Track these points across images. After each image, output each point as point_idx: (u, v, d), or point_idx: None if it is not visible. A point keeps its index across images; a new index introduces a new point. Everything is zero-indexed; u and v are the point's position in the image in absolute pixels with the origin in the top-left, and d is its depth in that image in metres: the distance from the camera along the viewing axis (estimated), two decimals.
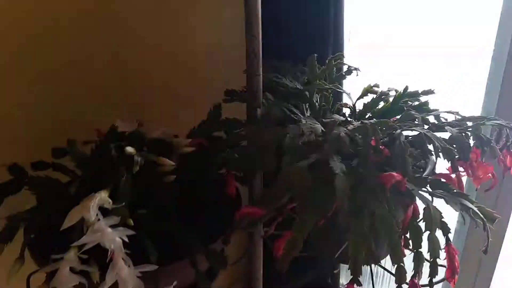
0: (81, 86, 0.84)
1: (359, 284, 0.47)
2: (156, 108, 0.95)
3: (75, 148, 0.63)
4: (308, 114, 0.70)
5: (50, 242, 0.56)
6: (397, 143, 0.53)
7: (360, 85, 0.73)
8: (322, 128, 0.62)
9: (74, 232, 0.48)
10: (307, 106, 0.71)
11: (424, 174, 0.53)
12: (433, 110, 0.66)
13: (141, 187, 0.58)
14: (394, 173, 0.49)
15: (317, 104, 0.70)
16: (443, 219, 0.49)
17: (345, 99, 0.76)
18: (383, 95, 0.70)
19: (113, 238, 0.44)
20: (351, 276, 0.48)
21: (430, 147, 0.57)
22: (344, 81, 0.78)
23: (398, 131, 0.54)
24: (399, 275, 0.46)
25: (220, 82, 1.00)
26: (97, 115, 0.83)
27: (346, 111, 0.72)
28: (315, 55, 0.76)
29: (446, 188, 0.54)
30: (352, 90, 0.73)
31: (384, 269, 0.69)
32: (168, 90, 0.98)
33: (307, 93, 0.71)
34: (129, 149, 0.52)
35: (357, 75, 0.72)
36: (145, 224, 0.53)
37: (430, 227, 0.47)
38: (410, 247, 0.49)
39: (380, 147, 0.53)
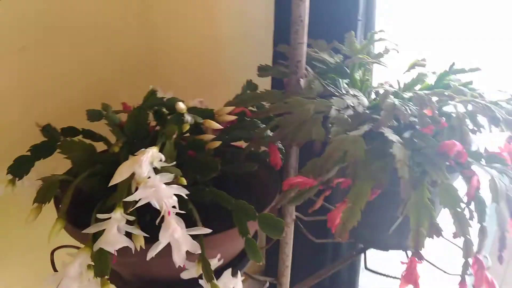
0: (113, 65, 0.82)
1: (421, 258, 0.45)
2: (182, 91, 0.94)
3: (110, 111, 0.60)
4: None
5: (84, 208, 0.54)
6: (455, 113, 0.51)
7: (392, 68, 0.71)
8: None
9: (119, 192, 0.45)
10: (346, 82, 0.69)
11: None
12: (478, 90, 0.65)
13: (183, 154, 0.55)
14: (456, 142, 0.47)
15: (358, 79, 0.67)
16: (508, 192, 0.47)
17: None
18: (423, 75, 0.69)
19: (169, 194, 0.41)
20: (413, 250, 0.45)
21: (482, 120, 0.55)
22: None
23: (455, 101, 0.52)
24: (466, 248, 0.44)
25: (244, 67, 0.99)
26: (123, 92, 0.82)
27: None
28: (352, 31, 0.74)
29: (502, 163, 0.52)
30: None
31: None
32: (194, 73, 0.97)
33: (346, 68, 0.69)
34: (181, 105, 0.49)
35: (397, 52, 0.70)
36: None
37: (497, 199, 0.45)
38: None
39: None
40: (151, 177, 0.41)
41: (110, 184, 0.43)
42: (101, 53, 0.81)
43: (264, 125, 0.61)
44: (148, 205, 0.48)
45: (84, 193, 0.63)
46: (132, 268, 0.56)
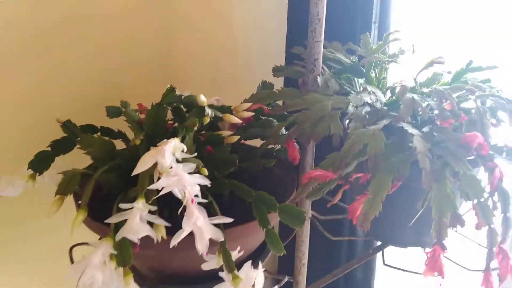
0: (132, 66, 0.84)
1: (444, 248, 0.44)
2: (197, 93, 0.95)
3: (129, 108, 0.61)
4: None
5: (103, 206, 0.54)
6: (475, 107, 0.51)
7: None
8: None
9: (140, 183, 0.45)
10: (362, 82, 0.69)
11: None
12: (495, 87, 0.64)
13: (201, 150, 0.56)
14: (478, 133, 0.47)
15: (374, 78, 0.68)
16: None
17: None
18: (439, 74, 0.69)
19: (192, 182, 0.41)
20: (435, 240, 0.45)
21: (501, 115, 0.55)
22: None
23: (475, 95, 0.52)
24: (490, 237, 0.44)
25: (259, 68, 1.01)
26: (139, 93, 0.83)
27: None
28: (368, 33, 0.75)
29: None
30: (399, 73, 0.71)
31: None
32: (209, 75, 0.98)
33: (362, 68, 0.69)
34: (203, 97, 0.50)
35: (413, 52, 0.70)
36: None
37: None
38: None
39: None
40: (174, 166, 0.42)
41: (133, 174, 0.43)
42: (119, 49, 0.83)
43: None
44: (167, 200, 0.49)
45: (102, 192, 0.63)
46: (151, 262, 0.56)
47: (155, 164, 0.44)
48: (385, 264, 0.71)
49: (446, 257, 0.66)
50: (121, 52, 0.83)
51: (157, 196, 0.43)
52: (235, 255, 0.48)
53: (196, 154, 0.47)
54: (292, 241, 0.76)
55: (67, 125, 0.57)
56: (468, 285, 0.72)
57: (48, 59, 0.75)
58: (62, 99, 0.78)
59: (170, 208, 0.52)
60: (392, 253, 0.76)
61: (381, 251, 0.76)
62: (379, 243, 0.84)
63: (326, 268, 1.03)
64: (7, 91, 0.72)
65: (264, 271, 0.63)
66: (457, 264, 0.64)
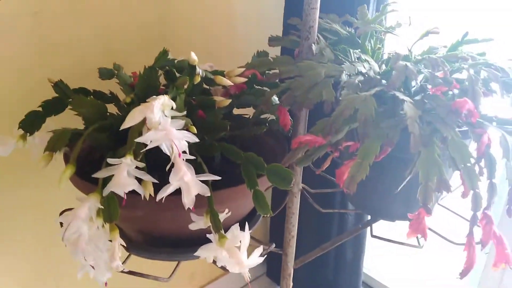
0: (125, 36, 0.84)
1: (430, 212, 0.44)
2: None
3: (122, 71, 0.60)
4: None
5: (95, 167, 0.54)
6: (468, 75, 0.51)
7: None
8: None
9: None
10: (358, 53, 0.69)
11: None
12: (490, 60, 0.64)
13: (192, 114, 0.56)
14: (468, 100, 0.47)
15: (370, 49, 0.67)
16: None
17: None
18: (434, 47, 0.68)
19: (180, 137, 0.41)
20: (421, 205, 0.45)
21: (494, 86, 0.55)
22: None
23: (468, 63, 0.51)
24: (475, 202, 0.44)
25: (255, 42, 1.00)
26: (132, 64, 0.83)
27: None
28: (365, 5, 0.74)
29: None
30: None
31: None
32: (205, 47, 0.97)
33: (358, 39, 0.69)
34: (194, 56, 0.49)
35: (409, 24, 0.70)
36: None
37: (508, 155, 0.45)
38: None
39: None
40: (162, 121, 0.42)
41: (122, 128, 0.43)
42: (114, 23, 0.82)
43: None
44: (157, 164, 0.49)
45: (94, 156, 0.64)
46: (139, 223, 0.56)
47: (144, 121, 0.43)
48: (372, 236, 0.72)
49: (432, 230, 0.67)
50: (116, 20, 0.82)
51: (144, 150, 0.43)
52: (222, 216, 0.49)
53: (185, 113, 0.47)
54: (283, 214, 0.76)
55: (59, 85, 0.57)
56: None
57: (40, 23, 0.74)
58: (55, 65, 0.78)
59: (161, 171, 0.52)
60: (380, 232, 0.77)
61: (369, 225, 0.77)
62: (368, 218, 0.85)
63: (316, 242, 1.04)
64: (3, 55, 0.72)
65: (253, 239, 0.64)
66: (442, 237, 0.65)
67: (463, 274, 0.46)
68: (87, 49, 0.80)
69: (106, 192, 0.43)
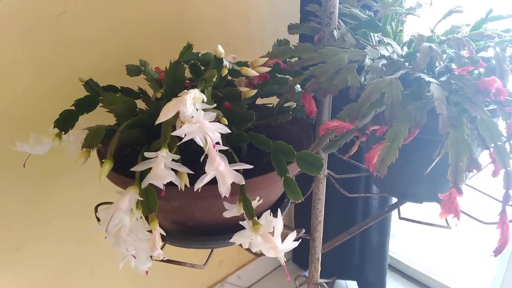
0: (145, 32, 0.85)
1: (461, 192, 0.45)
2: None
3: (148, 67, 0.62)
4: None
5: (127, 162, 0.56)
6: (495, 52, 0.50)
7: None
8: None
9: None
10: (379, 36, 0.68)
11: None
12: None
13: (219, 105, 0.57)
14: (496, 78, 0.47)
15: (391, 32, 0.67)
16: None
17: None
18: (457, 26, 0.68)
19: (214, 129, 0.42)
20: (451, 185, 0.46)
21: None
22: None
23: (495, 41, 0.51)
24: (507, 179, 0.44)
25: (272, 33, 1.00)
26: (152, 60, 0.85)
27: None
28: None
29: None
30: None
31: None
32: (223, 36, 0.98)
33: (378, 22, 0.68)
34: (220, 48, 0.51)
35: (430, 4, 0.69)
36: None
37: None
38: None
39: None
40: (196, 114, 0.43)
41: (157, 123, 0.45)
42: (133, 18, 0.84)
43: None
44: (189, 156, 0.50)
45: (125, 151, 0.66)
46: (174, 214, 0.58)
47: (177, 115, 0.45)
48: (400, 218, 0.72)
49: (462, 211, 0.67)
50: (134, 16, 0.83)
51: (180, 143, 0.44)
52: (254, 204, 0.50)
53: (215, 105, 0.48)
54: (309, 200, 0.77)
55: (89, 84, 0.59)
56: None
57: (65, 25, 0.76)
58: (79, 66, 0.80)
59: (191, 165, 0.54)
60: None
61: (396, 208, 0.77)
62: (394, 202, 0.85)
63: (341, 226, 1.05)
64: (27, 55, 0.74)
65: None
66: (472, 217, 0.65)
67: (497, 252, 0.46)
68: (108, 46, 0.82)
69: (144, 184, 0.45)
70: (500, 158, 0.44)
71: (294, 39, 0.80)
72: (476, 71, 0.56)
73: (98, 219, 0.65)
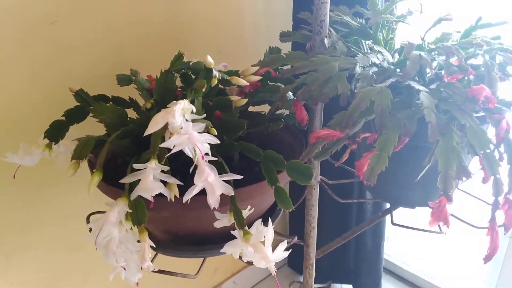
0: (139, 35, 0.85)
1: (451, 199, 0.45)
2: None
3: (139, 76, 0.62)
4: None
5: (117, 173, 0.56)
6: (484, 60, 0.51)
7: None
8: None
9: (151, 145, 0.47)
10: (370, 44, 0.69)
11: None
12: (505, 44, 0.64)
13: (210, 114, 0.57)
14: (485, 86, 0.47)
15: (382, 39, 0.67)
16: None
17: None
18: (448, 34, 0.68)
19: (202, 141, 0.42)
20: (441, 193, 0.46)
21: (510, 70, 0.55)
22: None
23: (484, 49, 0.51)
24: (496, 187, 0.44)
25: (265, 37, 1.00)
26: (146, 64, 0.85)
27: None
28: None
29: None
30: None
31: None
32: (216, 44, 0.98)
33: (369, 30, 0.69)
34: (210, 59, 0.51)
35: (421, 12, 0.69)
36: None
37: None
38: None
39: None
40: (184, 125, 0.43)
41: (146, 134, 0.44)
42: (126, 21, 0.84)
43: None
44: (178, 166, 0.50)
45: (116, 162, 0.65)
46: (165, 224, 0.58)
47: (166, 126, 0.45)
48: (393, 224, 0.73)
49: (454, 215, 0.68)
50: (127, 19, 0.83)
51: (168, 155, 0.44)
52: (245, 213, 0.50)
53: (205, 115, 0.48)
54: (302, 206, 0.77)
55: (80, 94, 0.59)
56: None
57: (57, 32, 0.76)
58: (71, 72, 0.80)
59: (182, 174, 0.54)
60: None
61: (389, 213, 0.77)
62: (387, 206, 0.85)
63: (335, 232, 1.05)
64: (19, 63, 0.74)
65: (275, 232, 0.65)
66: (464, 222, 0.65)
67: (487, 258, 0.46)
68: (100, 51, 0.82)
69: (133, 196, 0.45)
70: (489, 166, 0.44)
71: (286, 47, 0.81)
72: (465, 79, 0.56)
73: (90, 229, 0.65)
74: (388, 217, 0.79)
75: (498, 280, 1.12)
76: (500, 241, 0.47)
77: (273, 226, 0.53)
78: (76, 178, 0.64)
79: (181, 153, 0.46)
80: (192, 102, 0.50)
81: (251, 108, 0.68)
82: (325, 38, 0.62)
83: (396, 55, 0.68)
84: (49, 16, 0.74)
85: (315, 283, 0.87)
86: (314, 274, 0.86)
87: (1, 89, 0.73)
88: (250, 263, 0.53)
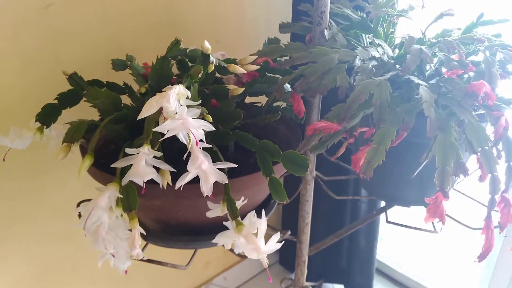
0: (136, 25, 0.84)
1: (447, 196, 0.44)
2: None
3: (135, 62, 0.60)
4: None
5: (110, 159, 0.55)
6: (484, 57, 0.50)
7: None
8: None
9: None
10: (370, 37, 0.68)
11: None
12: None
13: (206, 103, 0.56)
14: (485, 82, 0.46)
15: (382, 33, 0.67)
16: None
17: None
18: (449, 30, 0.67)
19: (197, 126, 0.41)
20: (438, 189, 0.45)
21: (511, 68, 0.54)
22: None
23: (485, 45, 0.51)
24: (493, 185, 0.44)
25: (265, 29, 0.99)
26: (143, 53, 0.83)
27: None
28: None
29: None
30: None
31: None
32: (215, 35, 0.97)
33: (370, 23, 0.68)
34: (207, 44, 0.49)
35: (422, 7, 0.69)
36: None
37: None
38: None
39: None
40: (179, 110, 0.42)
41: (139, 118, 0.43)
42: (124, 12, 0.82)
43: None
44: (172, 154, 0.49)
45: (109, 148, 0.64)
46: (157, 213, 0.57)
47: (161, 110, 0.44)
48: (388, 222, 0.72)
49: (449, 216, 0.67)
50: (123, 8, 0.82)
51: (161, 139, 0.43)
52: (239, 204, 0.49)
53: (200, 101, 0.47)
54: (296, 202, 0.76)
55: (73, 78, 0.58)
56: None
57: (52, 16, 0.74)
58: (66, 58, 0.78)
59: (175, 162, 0.53)
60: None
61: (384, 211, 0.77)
62: (382, 205, 0.85)
63: (329, 229, 1.04)
64: (13, 48, 0.73)
65: (268, 226, 0.64)
66: (458, 222, 0.65)
67: (481, 257, 0.46)
68: (96, 38, 0.80)
69: (125, 181, 0.44)
70: (487, 163, 0.44)
71: (286, 39, 0.79)
72: (465, 75, 0.55)
73: (80, 216, 0.64)
74: (382, 216, 0.79)
75: (491, 283, 1.12)
76: (495, 241, 0.46)
77: (267, 218, 0.52)
78: (69, 164, 0.63)
79: (175, 140, 0.45)
80: (188, 88, 0.49)
81: (247, 99, 0.67)
82: (325, 30, 0.61)
83: (397, 50, 0.67)
84: (44, 0, 0.73)
85: (306, 281, 0.86)
86: (306, 271, 0.85)
87: None
88: (241, 255, 0.52)
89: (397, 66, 0.58)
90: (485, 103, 0.48)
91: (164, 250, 0.61)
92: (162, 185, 0.46)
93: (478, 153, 0.45)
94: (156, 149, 0.45)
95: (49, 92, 0.61)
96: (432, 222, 0.69)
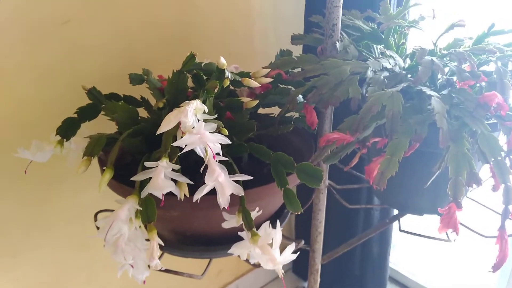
0: (149, 38, 0.86)
1: (460, 206, 0.45)
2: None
3: (151, 76, 0.62)
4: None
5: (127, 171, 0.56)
6: (496, 67, 0.51)
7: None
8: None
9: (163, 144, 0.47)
10: (382, 48, 0.69)
11: None
12: None
13: (220, 115, 0.57)
14: (497, 93, 0.47)
15: (393, 44, 0.67)
16: None
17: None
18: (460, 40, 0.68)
19: (214, 140, 0.43)
20: (451, 199, 0.45)
21: None
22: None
23: (496, 55, 0.51)
24: (507, 195, 0.44)
25: (276, 40, 1.01)
26: (156, 65, 0.85)
27: None
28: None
29: None
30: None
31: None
32: (226, 47, 0.99)
33: (381, 34, 0.69)
34: (223, 60, 0.51)
35: (433, 17, 0.69)
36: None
37: None
38: None
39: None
40: (196, 125, 0.43)
41: (158, 133, 0.45)
42: (138, 26, 0.84)
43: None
44: (189, 166, 0.50)
45: (126, 160, 0.66)
46: (173, 223, 0.58)
47: (178, 125, 0.45)
48: (401, 230, 0.72)
49: (462, 224, 0.67)
50: (137, 22, 0.84)
51: (180, 154, 0.44)
52: (254, 214, 0.50)
53: (216, 116, 0.49)
54: (309, 211, 0.77)
55: (92, 92, 0.59)
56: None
57: (70, 32, 0.77)
58: (83, 72, 0.81)
59: (191, 174, 0.54)
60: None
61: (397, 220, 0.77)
62: (395, 213, 0.85)
63: (342, 237, 1.04)
64: (30, 61, 0.75)
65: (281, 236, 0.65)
66: (472, 230, 0.65)
67: (496, 267, 0.46)
68: (111, 51, 0.83)
69: (144, 194, 0.45)
70: (500, 173, 0.44)
71: (297, 50, 0.81)
72: (477, 85, 0.56)
73: (98, 227, 0.65)
74: (395, 224, 0.79)
75: None
76: (509, 250, 0.46)
77: (281, 228, 0.53)
78: (86, 174, 0.64)
79: (191, 152, 0.46)
80: (204, 102, 0.50)
81: (260, 110, 0.68)
82: (337, 42, 0.62)
83: (408, 60, 0.68)
84: (61, 16, 0.75)
85: None
86: (319, 280, 0.85)
87: (11, 89, 0.74)
88: (256, 265, 0.53)
89: (409, 76, 0.59)
90: (497, 114, 0.48)
91: (177, 259, 0.62)
92: (179, 197, 0.47)
93: (491, 163, 0.45)
94: (174, 162, 0.46)
95: (67, 105, 0.63)
96: (446, 232, 0.69)
